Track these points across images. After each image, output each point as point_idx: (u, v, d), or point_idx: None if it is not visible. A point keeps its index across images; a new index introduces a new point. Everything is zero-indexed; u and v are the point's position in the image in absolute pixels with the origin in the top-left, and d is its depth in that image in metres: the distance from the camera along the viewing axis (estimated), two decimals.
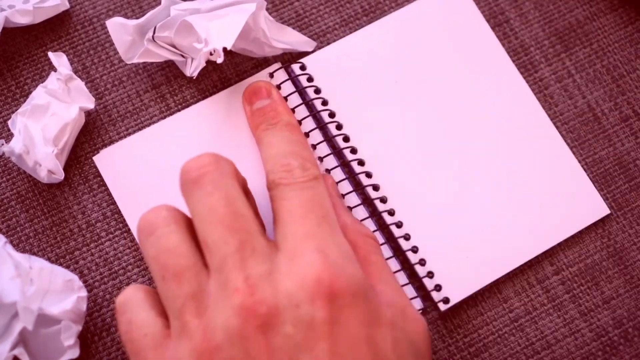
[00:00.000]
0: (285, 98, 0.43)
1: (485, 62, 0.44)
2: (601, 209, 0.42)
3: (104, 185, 0.42)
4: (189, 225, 0.34)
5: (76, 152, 0.42)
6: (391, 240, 0.41)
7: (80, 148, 0.43)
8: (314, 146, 0.42)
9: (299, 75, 0.43)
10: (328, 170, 0.42)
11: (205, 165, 0.34)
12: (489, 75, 0.44)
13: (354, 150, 0.42)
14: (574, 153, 0.43)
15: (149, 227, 0.33)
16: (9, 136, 0.43)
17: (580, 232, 0.42)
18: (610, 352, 0.40)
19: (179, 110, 0.43)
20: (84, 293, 0.37)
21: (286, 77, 0.43)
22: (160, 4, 0.42)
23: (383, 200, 0.41)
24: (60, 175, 0.41)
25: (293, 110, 0.43)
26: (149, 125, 0.43)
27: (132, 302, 0.33)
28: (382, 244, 0.41)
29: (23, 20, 0.43)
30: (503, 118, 0.43)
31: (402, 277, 0.40)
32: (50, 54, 0.41)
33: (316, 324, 0.30)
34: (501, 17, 0.45)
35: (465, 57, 0.44)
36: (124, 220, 0.41)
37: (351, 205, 0.41)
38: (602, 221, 0.42)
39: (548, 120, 0.43)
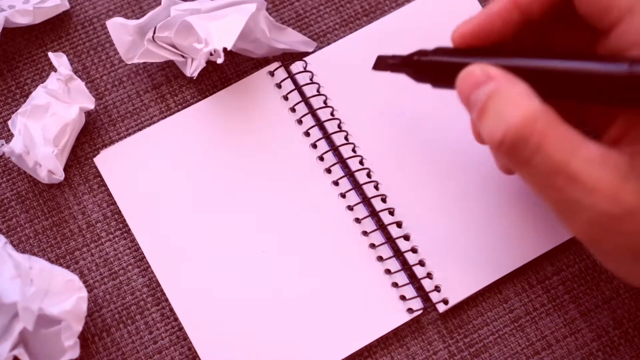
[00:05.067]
0: (285, 97, 0.43)
1: None
2: None
3: (104, 185, 0.42)
4: None
5: (76, 152, 0.42)
6: (391, 240, 0.41)
7: (81, 148, 0.43)
8: (313, 145, 0.42)
9: (299, 73, 0.43)
10: (328, 170, 0.42)
11: None
12: None
13: (354, 149, 0.42)
14: None
15: None
16: (9, 136, 0.43)
17: None
18: (610, 353, 0.40)
19: (179, 110, 0.43)
20: (84, 293, 0.37)
21: (286, 75, 0.43)
22: (160, 4, 0.42)
23: (383, 199, 0.41)
24: (60, 176, 0.41)
25: (293, 108, 0.43)
26: (149, 125, 0.43)
27: None
28: (381, 244, 0.41)
29: (23, 20, 0.43)
30: None
31: (401, 278, 0.40)
32: (51, 54, 0.41)
33: None
34: None
35: None
36: (124, 220, 0.41)
37: (351, 204, 0.41)
38: None
39: None
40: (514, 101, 0.31)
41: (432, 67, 0.37)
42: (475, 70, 0.33)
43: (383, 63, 0.40)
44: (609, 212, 0.30)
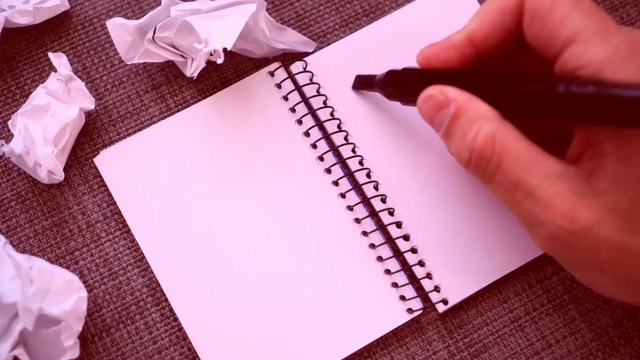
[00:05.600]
0: (285, 97, 0.43)
1: None
2: None
3: (104, 185, 0.42)
4: None
5: (76, 152, 0.42)
6: (390, 240, 0.41)
7: (81, 148, 0.43)
8: (313, 145, 0.42)
9: (298, 73, 0.43)
10: (328, 170, 0.42)
11: None
12: None
13: (354, 149, 0.42)
14: None
15: None
16: (9, 137, 0.43)
17: None
18: (610, 353, 0.40)
19: (179, 111, 0.43)
20: (84, 293, 0.37)
21: (286, 75, 0.43)
22: (160, 4, 0.42)
23: (383, 199, 0.41)
24: (60, 176, 0.41)
25: (293, 109, 0.43)
26: (149, 125, 0.43)
27: None
28: (381, 244, 0.41)
29: (23, 20, 0.43)
30: None
31: (401, 278, 0.40)
32: (51, 55, 0.41)
33: None
34: None
35: None
36: (124, 220, 0.41)
37: (351, 205, 0.41)
38: None
39: None
40: (474, 123, 0.33)
41: (399, 88, 0.39)
42: (435, 93, 0.34)
43: (361, 82, 0.42)
44: (565, 228, 0.31)
